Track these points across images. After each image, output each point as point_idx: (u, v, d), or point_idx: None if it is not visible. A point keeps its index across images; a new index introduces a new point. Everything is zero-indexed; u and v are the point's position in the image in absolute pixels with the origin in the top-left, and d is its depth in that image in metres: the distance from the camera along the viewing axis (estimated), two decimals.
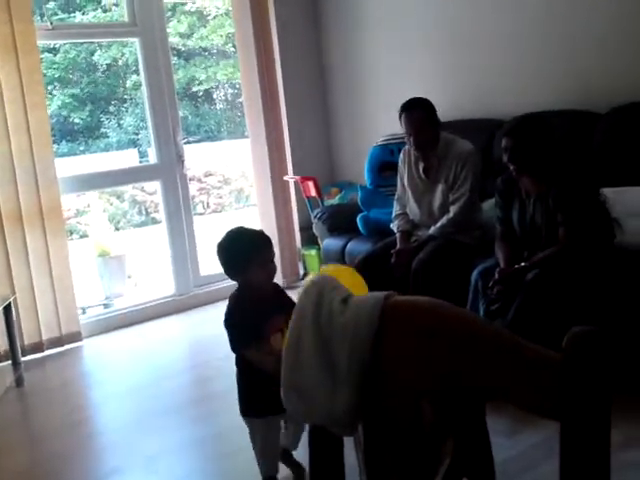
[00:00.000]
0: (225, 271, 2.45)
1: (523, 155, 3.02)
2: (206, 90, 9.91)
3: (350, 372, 1.02)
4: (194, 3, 8.73)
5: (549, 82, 3.95)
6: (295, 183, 5.17)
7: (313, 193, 4.80)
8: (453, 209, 3.62)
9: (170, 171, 4.97)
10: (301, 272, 5.33)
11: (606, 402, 0.74)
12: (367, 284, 3.57)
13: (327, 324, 1.06)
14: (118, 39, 5.89)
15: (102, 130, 8.93)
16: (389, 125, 4.35)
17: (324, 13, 5.32)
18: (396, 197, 3.94)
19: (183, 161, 5.01)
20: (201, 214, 9.10)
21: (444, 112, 3.80)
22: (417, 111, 3.60)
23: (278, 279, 5.24)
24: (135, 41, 4.92)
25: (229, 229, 2.47)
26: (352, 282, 3.28)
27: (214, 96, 10.27)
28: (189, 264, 5.09)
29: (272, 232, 5.20)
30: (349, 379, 1.02)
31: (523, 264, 3.03)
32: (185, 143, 5.07)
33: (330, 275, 1.15)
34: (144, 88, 4.90)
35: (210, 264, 5.53)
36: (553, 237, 3.05)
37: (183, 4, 8.77)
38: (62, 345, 4.46)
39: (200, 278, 5.17)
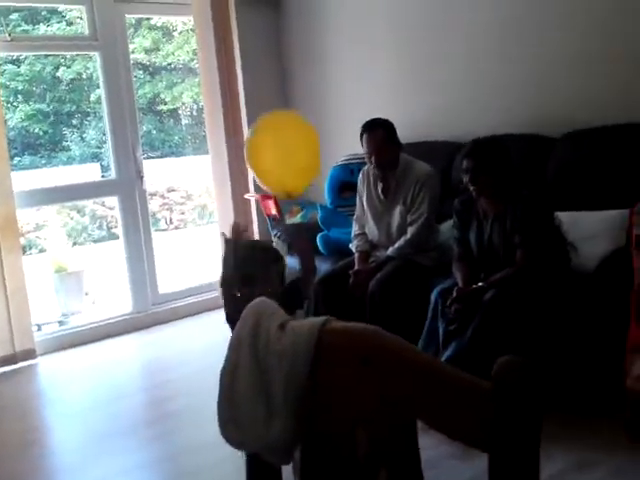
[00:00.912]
0: None
1: (483, 176, 3.06)
2: (171, 105, 9.85)
3: (286, 400, 1.01)
4: (160, 18, 8.68)
5: (507, 106, 4.00)
6: (256, 201, 5.14)
7: (274, 212, 4.77)
8: (410, 230, 3.63)
9: (129, 187, 4.91)
10: None
11: (534, 433, 0.73)
12: (325, 305, 3.59)
13: (264, 353, 1.05)
14: (78, 52, 5.83)
15: (65, 143, 8.81)
16: (350, 145, 4.37)
17: (287, 37, 5.33)
18: (355, 217, 3.94)
19: (142, 177, 4.95)
20: (164, 230, 9.01)
21: (404, 134, 3.83)
22: (379, 131, 3.62)
23: None
24: (95, 55, 4.87)
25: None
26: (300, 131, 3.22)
27: (179, 111, 10.22)
28: (147, 281, 5.02)
29: None
30: (285, 407, 1.01)
31: (481, 284, 3.06)
32: (146, 158, 5.02)
33: (269, 300, 1.14)
34: (104, 103, 4.85)
35: (169, 281, 5.49)
36: (510, 258, 3.09)
37: (148, 19, 8.72)
38: (16, 363, 4.37)
39: (159, 296, 5.10)
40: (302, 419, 1.01)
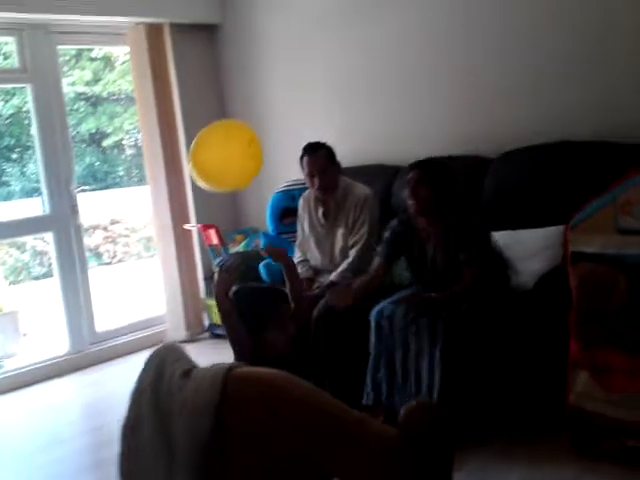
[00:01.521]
0: None
1: (424, 189, 3.06)
2: (115, 137, 9.70)
3: (189, 455, 0.93)
4: (100, 49, 8.57)
5: (445, 128, 4.04)
6: (198, 231, 5.05)
7: (215, 241, 4.69)
8: (352, 253, 3.60)
9: (63, 221, 4.75)
10: (206, 323, 5.16)
11: (446, 474, 0.67)
12: None
13: (166, 403, 0.97)
14: (7, 85, 5.65)
15: (4, 178, 8.58)
16: (291, 171, 4.33)
17: (224, 62, 5.30)
18: (297, 243, 3.90)
19: (77, 211, 4.81)
20: (108, 264, 8.79)
21: (343, 158, 3.81)
22: (320, 152, 3.63)
23: (180, 331, 5.09)
24: (26, 87, 4.73)
25: None
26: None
27: (123, 142, 10.07)
28: (84, 319, 4.84)
29: (174, 282, 5.06)
30: (188, 463, 0.93)
31: (434, 294, 3.05)
32: (89, 190, 4.88)
33: (174, 344, 1.06)
34: (36, 136, 4.70)
35: (111, 318, 5.33)
36: (455, 278, 3.07)
37: (89, 50, 8.59)
38: None
39: (96, 334, 4.92)
40: (206, 474, 0.92)
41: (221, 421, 0.90)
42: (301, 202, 3.88)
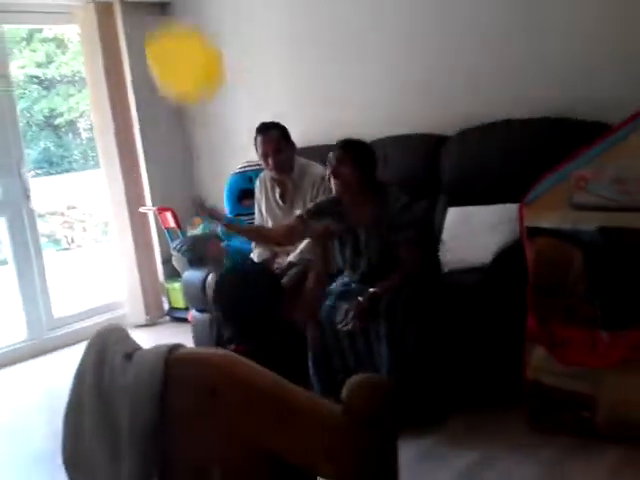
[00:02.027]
0: None
1: (345, 168, 3.01)
2: (69, 120, 9.48)
3: (133, 438, 0.90)
4: (51, 29, 8.34)
5: (401, 108, 4.03)
6: (154, 214, 4.97)
7: (172, 224, 4.63)
8: None
9: (15, 207, 4.63)
10: (165, 307, 5.11)
11: (389, 455, 0.66)
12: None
13: (109, 386, 0.94)
14: None
15: None
16: (248, 152, 4.27)
17: None
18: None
19: (29, 196, 4.69)
20: (66, 249, 8.63)
21: (300, 138, 3.79)
22: (273, 131, 3.58)
23: (140, 316, 5.03)
24: None
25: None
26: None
27: (78, 125, 9.84)
28: (41, 306, 4.75)
29: (132, 266, 4.98)
30: (132, 446, 0.90)
31: (372, 290, 2.96)
32: (43, 175, 4.75)
33: (117, 325, 1.03)
34: None
35: (66, 304, 5.23)
36: (390, 260, 3.03)
37: (39, 31, 8.36)
38: None
39: (54, 320, 4.84)
40: (151, 458, 0.90)
41: (163, 404, 0.88)
42: (257, 184, 3.84)
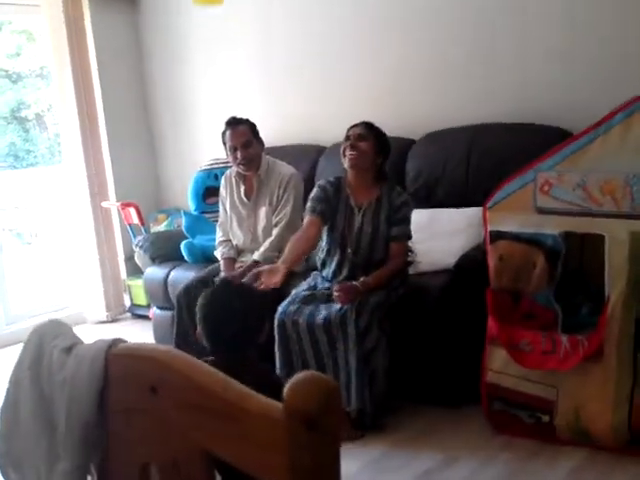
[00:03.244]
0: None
1: (365, 143, 3.01)
2: (37, 114, 9.31)
3: (70, 434, 0.86)
4: (10, 23, 8.17)
5: (368, 110, 3.98)
6: (118, 210, 4.89)
7: (135, 220, 4.55)
8: (275, 232, 3.55)
9: None
10: (127, 304, 5.03)
11: (330, 454, 0.63)
12: (189, 315, 3.42)
13: (46, 380, 0.90)
14: None
15: None
16: (214, 150, 4.23)
17: (145, 33, 5.10)
18: (219, 223, 3.81)
19: None
20: (28, 243, 8.47)
21: (267, 138, 3.76)
22: (243, 126, 3.55)
23: (100, 312, 4.94)
24: None
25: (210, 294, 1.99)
26: None
27: (45, 119, 9.68)
28: None
29: (93, 262, 4.90)
30: (70, 447, 0.86)
31: (362, 279, 2.96)
32: (8, 169, 4.64)
33: (56, 320, 0.99)
34: None
35: (25, 299, 5.12)
36: (377, 248, 3.06)
37: (9, 23, 8.20)
38: None
39: (11, 315, 4.73)
40: (89, 456, 0.86)
41: (103, 400, 0.84)
42: (222, 181, 3.80)
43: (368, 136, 3.05)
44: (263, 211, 3.62)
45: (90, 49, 4.84)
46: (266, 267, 2.96)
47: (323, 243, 3.22)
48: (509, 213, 2.67)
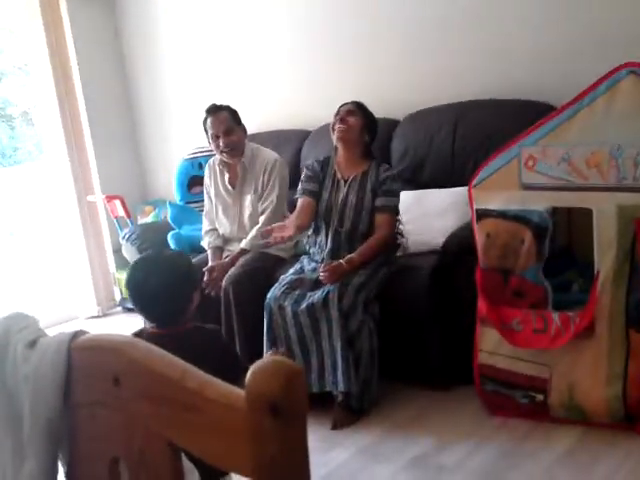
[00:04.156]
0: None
1: (354, 118, 3.09)
2: (23, 111, 9.22)
3: (36, 432, 0.83)
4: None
5: (354, 93, 3.94)
6: (103, 203, 4.84)
7: (121, 213, 4.51)
8: (262, 219, 3.51)
9: None
10: (117, 297, 4.99)
11: (294, 440, 0.60)
12: None
13: (11, 375, 0.86)
14: None
15: None
16: (199, 138, 4.18)
17: (124, 24, 5.03)
18: (204, 213, 3.77)
19: None
20: (17, 240, 8.42)
21: (252, 124, 3.73)
22: (224, 112, 3.50)
23: (91, 307, 4.91)
24: None
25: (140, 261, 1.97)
26: None
27: (31, 116, 9.59)
28: None
29: (82, 256, 4.85)
30: (35, 437, 0.83)
31: (350, 256, 2.96)
32: None
33: (20, 313, 0.95)
34: None
35: (16, 296, 5.07)
36: (360, 219, 3.07)
37: None
38: None
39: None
40: (55, 451, 0.83)
41: (67, 394, 0.81)
42: (206, 170, 3.75)
43: (357, 113, 3.13)
44: (248, 199, 3.58)
45: (69, 42, 4.76)
46: (276, 224, 3.04)
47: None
48: (494, 191, 2.63)
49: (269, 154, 3.58)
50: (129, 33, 5.01)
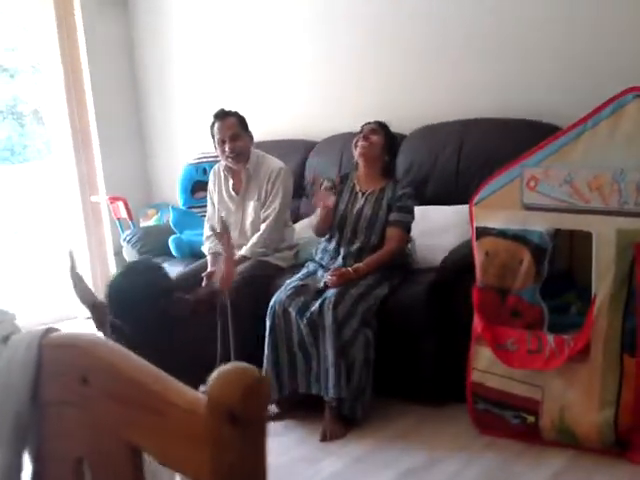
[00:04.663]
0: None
1: (377, 137, 3.18)
2: (34, 109, 9.26)
3: (3, 425, 0.82)
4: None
5: (357, 107, 3.98)
6: (107, 204, 4.85)
7: (124, 214, 4.51)
8: (263, 227, 3.50)
9: None
10: None
11: (253, 449, 0.59)
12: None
13: None
14: None
15: None
16: (205, 144, 4.19)
17: (136, 28, 5.06)
18: (206, 218, 3.77)
19: None
20: (19, 238, 8.44)
21: (258, 132, 3.72)
22: (231, 118, 3.51)
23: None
24: None
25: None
26: None
27: (41, 114, 9.63)
28: None
29: (83, 257, 4.86)
30: (1, 434, 0.82)
31: (357, 265, 3.03)
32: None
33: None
34: None
35: (13, 294, 5.07)
36: (373, 233, 3.11)
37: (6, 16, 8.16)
38: None
39: None
40: (22, 449, 0.82)
41: (37, 390, 0.80)
42: (211, 176, 3.75)
43: (379, 132, 3.21)
44: (251, 206, 3.58)
45: (80, 42, 4.79)
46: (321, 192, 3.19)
47: None
48: (496, 209, 2.62)
49: (274, 162, 3.58)
50: (140, 37, 5.03)
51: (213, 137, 3.54)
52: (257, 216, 3.56)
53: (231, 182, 3.62)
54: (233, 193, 3.62)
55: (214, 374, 0.59)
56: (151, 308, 1.97)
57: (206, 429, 0.58)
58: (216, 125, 3.50)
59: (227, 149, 3.47)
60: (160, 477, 0.83)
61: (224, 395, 0.57)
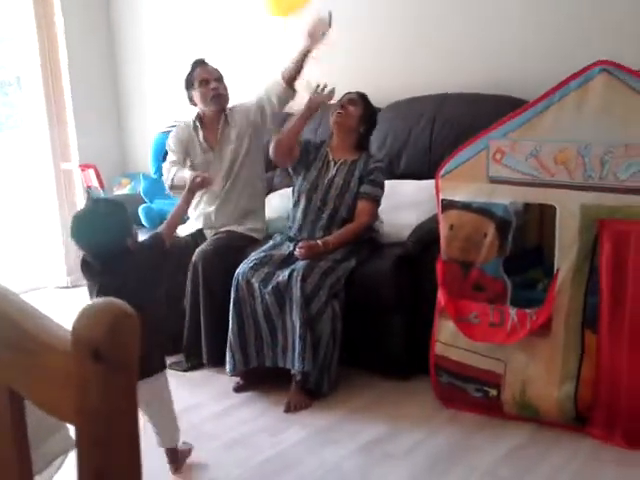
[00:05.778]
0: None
1: (354, 108, 3.13)
2: (15, 76, 9.11)
3: None
4: None
5: (334, 79, 3.89)
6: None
7: (95, 183, 4.45)
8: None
9: None
10: None
11: (120, 390, 0.56)
12: None
13: None
14: None
15: None
16: (177, 112, 4.13)
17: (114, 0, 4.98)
18: (168, 162, 3.57)
19: None
20: None
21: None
22: (212, 66, 3.50)
23: (61, 277, 4.86)
24: None
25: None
26: None
27: (22, 81, 9.48)
28: None
29: (55, 226, 4.80)
30: None
31: (327, 238, 3.01)
32: None
33: None
34: None
35: None
36: (342, 204, 3.09)
37: None
38: None
39: None
40: None
41: None
42: (177, 131, 3.60)
43: (358, 103, 3.17)
44: (230, 150, 3.48)
45: (57, 11, 4.69)
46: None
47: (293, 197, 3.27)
48: (461, 182, 2.59)
49: (247, 103, 3.53)
50: (118, 5, 4.94)
51: (191, 84, 3.44)
52: (235, 155, 3.49)
53: (201, 134, 3.51)
54: (205, 144, 3.52)
55: (80, 309, 0.56)
56: (115, 239, 2.15)
57: (71, 368, 0.56)
58: (197, 69, 3.44)
59: (212, 87, 3.40)
60: (47, 421, 0.80)
61: (87, 332, 0.55)
